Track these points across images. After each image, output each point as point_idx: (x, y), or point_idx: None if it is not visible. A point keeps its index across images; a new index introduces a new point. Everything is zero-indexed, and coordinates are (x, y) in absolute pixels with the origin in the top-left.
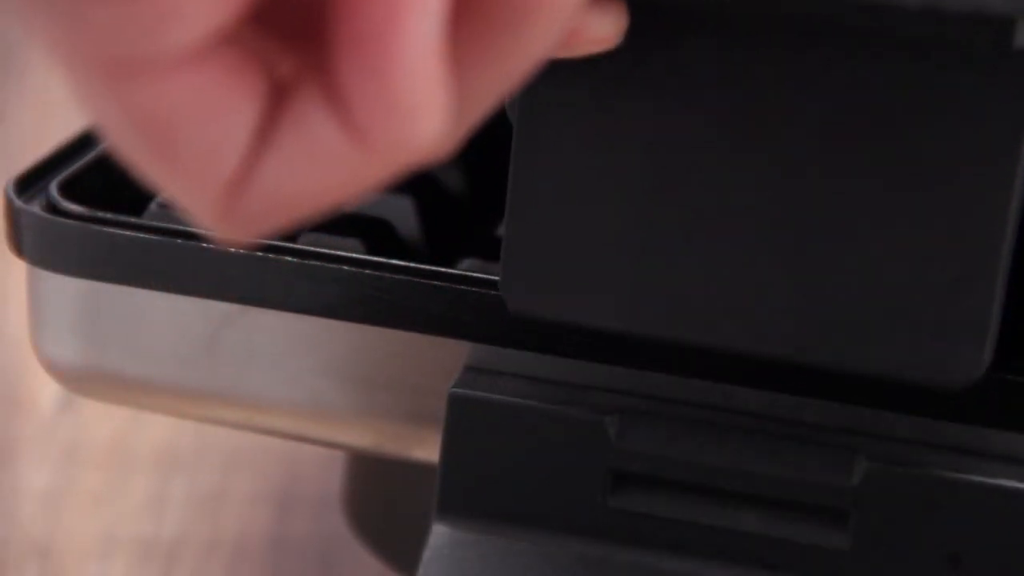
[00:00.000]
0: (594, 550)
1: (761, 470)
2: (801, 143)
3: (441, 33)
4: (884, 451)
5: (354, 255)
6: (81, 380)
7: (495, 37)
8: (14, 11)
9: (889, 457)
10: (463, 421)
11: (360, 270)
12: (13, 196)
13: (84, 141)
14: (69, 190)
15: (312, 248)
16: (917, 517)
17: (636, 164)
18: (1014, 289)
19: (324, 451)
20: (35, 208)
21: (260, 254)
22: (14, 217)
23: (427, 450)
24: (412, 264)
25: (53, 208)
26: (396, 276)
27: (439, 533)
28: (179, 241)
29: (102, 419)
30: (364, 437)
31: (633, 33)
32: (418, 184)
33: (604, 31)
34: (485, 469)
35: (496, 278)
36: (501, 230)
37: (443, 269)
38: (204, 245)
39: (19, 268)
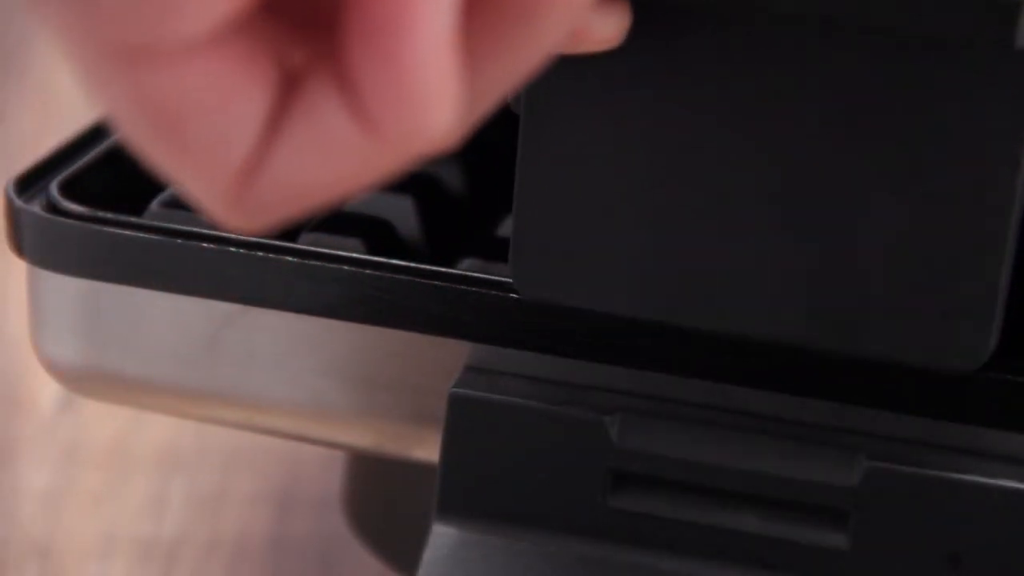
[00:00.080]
0: (594, 550)
1: (761, 470)
2: (808, 130)
3: (455, 24)
4: (884, 451)
5: (354, 255)
6: (81, 380)
7: (508, 29)
8: None
9: (889, 457)
10: (463, 421)
11: (360, 270)
12: (13, 196)
13: (84, 141)
14: (69, 190)
15: (312, 248)
16: (917, 517)
17: (643, 150)
18: (1015, 289)
19: (324, 451)
20: (35, 208)
21: (260, 254)
22: (14, 217)
23: (427, 450)
24: (412, 264)
25: (53, 208)
26: (396, 276)
27: (439, 533)
28: (179, 241)
29: (102, 419)
30: (365, 437)
31: (636, 23)
32: (418, 184)
33: (608, 31)
34: (485, 469)
35: (496, 278)
36: (501, 230)
37: (443, 269)
38: (204, 245)
39: (19, 268)
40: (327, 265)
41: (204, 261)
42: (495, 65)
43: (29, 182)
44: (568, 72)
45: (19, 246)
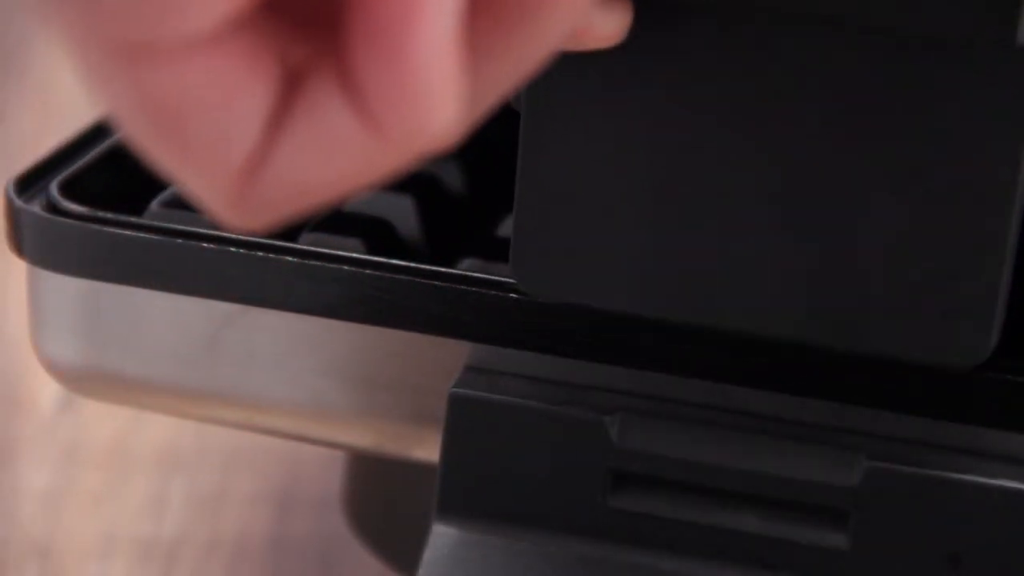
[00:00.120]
0: (594, 550)
1: (761, 470)
2: (809, 129)
3: (459, 23)
4: (884, 451)
5: (354, 255)
6: (81, 380)
7: (511, 27)
8: None
9: (889, 457)
10: (463, 421)
11: (360, 270)
12: (13, 196)
13: (84, 141)
14: (69, 190)
15: (312, 248)
16: (917, 517)
17: (644, 148)
18: (1015, 289)
19: (324, 451)
20: (35, 208)
21: (260, 254)
22: (14, 217)
23: (427, 450)
24: (412, 264)
25: (53, 208)
26: (396, 276)
27: (439, 533)
28: (179, 241)
29: (102, 419)
30: (365, 437)
31: (637, 21)
32: (418, 184)
33: (609, 29)
34: (485, 469)
35: (497, 278)
36: (501, 230)
37: (443, 269)
38: (204, 245)
39: (19, 268)
40: (327, 265)
41: (204, 261)
42: (498, 63)
43: (29, 182)
44: (569, 70)
45: (19, 246)
